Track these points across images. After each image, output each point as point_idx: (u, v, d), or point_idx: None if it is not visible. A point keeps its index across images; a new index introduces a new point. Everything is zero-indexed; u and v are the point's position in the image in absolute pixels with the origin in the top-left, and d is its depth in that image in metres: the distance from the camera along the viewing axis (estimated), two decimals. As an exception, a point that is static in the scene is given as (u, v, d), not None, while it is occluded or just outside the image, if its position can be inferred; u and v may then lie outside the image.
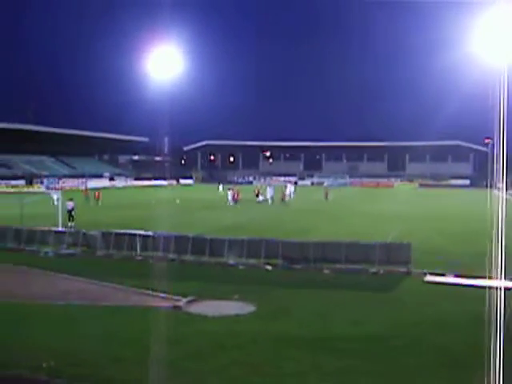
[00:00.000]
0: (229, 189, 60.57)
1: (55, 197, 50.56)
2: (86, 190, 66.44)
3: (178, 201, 56.87)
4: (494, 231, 10.88)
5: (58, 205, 32.87)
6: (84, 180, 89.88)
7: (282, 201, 57.42)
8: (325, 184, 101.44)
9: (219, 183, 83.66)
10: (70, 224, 34.84)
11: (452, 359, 12.30)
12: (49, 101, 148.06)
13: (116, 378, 10.66)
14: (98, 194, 57.17)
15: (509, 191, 56.72)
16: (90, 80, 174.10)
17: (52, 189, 61.63)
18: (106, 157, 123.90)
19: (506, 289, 12.01)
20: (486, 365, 9.53)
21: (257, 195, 59.72)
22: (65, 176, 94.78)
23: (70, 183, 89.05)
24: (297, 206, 55.74)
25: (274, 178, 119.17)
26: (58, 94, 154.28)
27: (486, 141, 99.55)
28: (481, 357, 10.97)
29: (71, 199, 38.11)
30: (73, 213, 36.95)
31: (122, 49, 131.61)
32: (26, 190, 73.42)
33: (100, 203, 55.25)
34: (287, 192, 61.84)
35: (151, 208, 48.20)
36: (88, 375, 10.83)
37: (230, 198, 57.19)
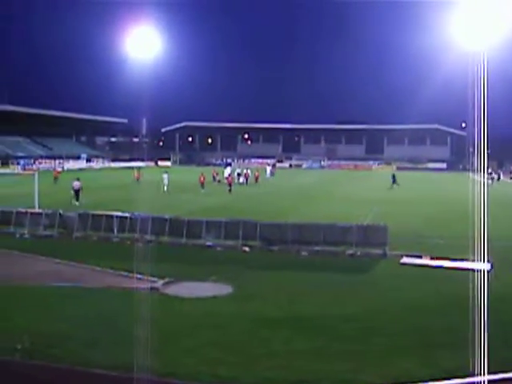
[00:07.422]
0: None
1: None
2: (55, 170, 65.15)
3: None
4: (472, 214, 10.97)
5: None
6: (61, 161, 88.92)
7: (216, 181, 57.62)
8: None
9: (226, 166, 71.59)
10: (75, 203, 37.08)
11: (426, 340, 12.42)
12: (26, 81, 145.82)
13: (91, 360, 10.62)
14: (139, 174, 56.16)
15: (487, 175, 57.58)
16: (68, 60, 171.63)
17: (29, 170, 60.66)
18: (83, 138, 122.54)
19: (483, 271, 12.12)
20: (462, 345, 9.66)
21: (213, 177, 59.72)
22: (41, 157, 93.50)
23: (46, 165, 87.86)
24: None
25: (253, 160, 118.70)
26: (35, 73, 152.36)
27: (463, 125, 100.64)
28: (456, 337, 11.14)
29: (78, 179, 39.89)
30: (79, 192, 38.81)
31: (102, 28, 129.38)
32: (1, 170, 72.68)
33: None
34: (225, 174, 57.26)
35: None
36: (63, 357, 10.78)
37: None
